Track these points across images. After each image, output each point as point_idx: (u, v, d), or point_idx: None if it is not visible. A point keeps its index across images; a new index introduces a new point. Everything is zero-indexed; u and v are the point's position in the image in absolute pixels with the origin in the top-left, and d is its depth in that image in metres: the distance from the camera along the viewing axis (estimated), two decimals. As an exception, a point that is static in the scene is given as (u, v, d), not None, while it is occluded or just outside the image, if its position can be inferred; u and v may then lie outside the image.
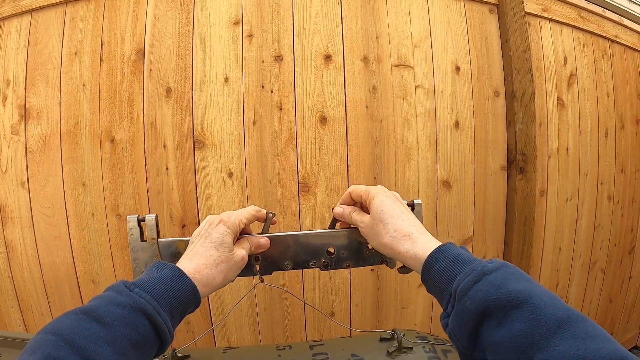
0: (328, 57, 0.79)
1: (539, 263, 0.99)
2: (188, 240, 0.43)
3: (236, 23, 0.79)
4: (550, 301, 0.26)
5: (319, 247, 0.45)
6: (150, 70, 0.82)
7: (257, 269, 0.44)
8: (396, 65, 0.82)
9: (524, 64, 0.97)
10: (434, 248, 0.34)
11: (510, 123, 0.92)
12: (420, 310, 0.85)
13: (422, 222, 0.41)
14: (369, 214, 0.41)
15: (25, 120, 0.87)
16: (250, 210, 0.43)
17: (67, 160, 0.85)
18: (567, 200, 1.03)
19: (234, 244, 0.41)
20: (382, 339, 0.60)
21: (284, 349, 0.59)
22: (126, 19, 0.82)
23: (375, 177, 0.80)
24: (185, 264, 0.38)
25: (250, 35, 0.79)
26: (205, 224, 0.41)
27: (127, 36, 0.83)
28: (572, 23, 1.08)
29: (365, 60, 0.81)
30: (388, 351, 0.57)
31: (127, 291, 0.32)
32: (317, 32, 0.79)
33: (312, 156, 0.77)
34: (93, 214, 0.84)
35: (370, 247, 0.45)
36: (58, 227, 0.86)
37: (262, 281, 0.46)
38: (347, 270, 0.79)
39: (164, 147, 0.80)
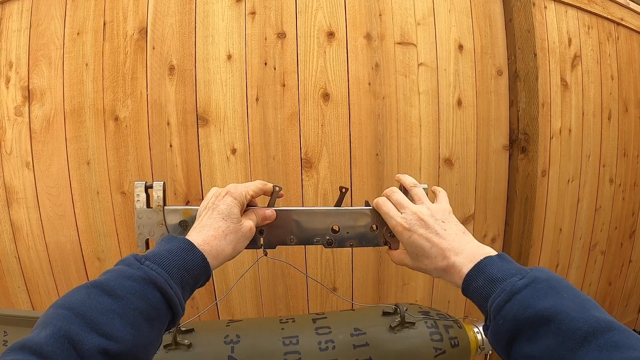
0: (331, 34, 0.79)
1: (539, 243, 1.00)
2: (194, 209, 0.44)
3: (238, 0, 0.79)
4: (578, 315, 0.27)
5: (323, 224, 0.45)
6: (153, 48, 0.82)
7: (262, 242, 0.45)
8: (399, 43, 0.82)
9: (528, 43, 0.96)
10: (469, 269, 0.35)
11: (512, 102, 0.92)
12: (421, 286, 0.86)
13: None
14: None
15: (29, 101, 0.87)
16: (257, 183, 0.43)
17: (71, 139, 0.85)
18: (568, 181, 1.03)
19: (241, 216, 0.41)
20: (385, 314, 0.61)
21: (287, 321, 0.60)
22: (128, -3, 0.81)
23: (377, 154, 0.80)
24: (194, 236, 0.38)
25: (252, 13, 0.79)
26: (211, 196, 0.41)
27: (129, 15, 0.83)
28: (577, 4, 1.06)
29: (368, 37, 0.80)
30: (390, 326, 0.58)
31: (138, 264, 0.33)
32: (320, 9, 0.79)
33: (314, 133, 0.78)
34: (98, 192, 0.85)
35: (374, 228, 0.45)
36: (63, 206, 0.87)
37: (265, 254, 0.46)
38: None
39: (168, 124, 0.80)
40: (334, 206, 0.46)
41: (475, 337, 0.62)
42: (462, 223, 0.88)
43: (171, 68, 0.81)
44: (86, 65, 0.85)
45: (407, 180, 0.45)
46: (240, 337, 0.56)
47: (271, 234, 0.45)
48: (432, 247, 0.38)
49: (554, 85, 1.01)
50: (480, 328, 0.63)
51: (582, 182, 1.08)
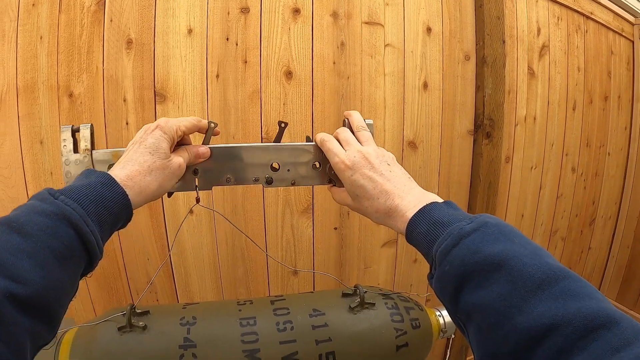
0: (296, 11, 0.77)
1: (502, 228, 1.02)
2: (124, 151, 0.40)
3: (200, -28, 0.76)
4: (531, 261, 0.25)
5: (262, 162, 0.42)
6: (111, 20, 0.77)
7: (197, 183, 0.42)
8: (366, 23, 0.81)
9: (497, 30, 0.97)
10: (414, 213, 0.33)
11: (479, 88, 0.93)
12: (383, 269, 0.87)
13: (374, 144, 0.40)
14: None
15: (-22, 75, 0.82)
16: (191, 119, 0.40)
17: (24, 117, 0.81)
18: (531, 168, 1.06)
19: (170, 152, 0.38)
20: (344, 295, 0.60)
21: (245, 303, 0.59)
22: (83, -35, 0.76)
23: (340, 135, 0.79)
24: (117, 171, 0.35)
25: (215, -15, 0.76)
26: (141, 131, 0.38)
27: (85, -16, 0.78)
28: (548, -6, 1.08)
29: (334, 15, 0.79)
30: (350, 306, 0.58)
31: (52, 198, 0.29)
32: (286, -16, 0.77)
33: (276, 111, 0.76)
34: (52, 173, 0.81)
35: (317, 165, 0.43)
36: (16, 187, 0.82)
37: (198, 201, 0.43)
38: (310, 227, 0.80)
39: (124, 101, 0.77)
40: (273, 142, 0.44)
41: (437, 321, 0.63)
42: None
43: (129, 42, 0.77)
44: (40, 38, 0.79)
45: (356, 119, 0.42)
46: (197, 318, 0.55)
47: (206, 174, 0.42)
48: (375, 188, 0.36)
49: (521, 73, 1.02)
50: (442, 312, 0.64)
51: (544, 170, 1.11)
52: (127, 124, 0.77)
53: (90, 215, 0.30)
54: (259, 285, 0.80)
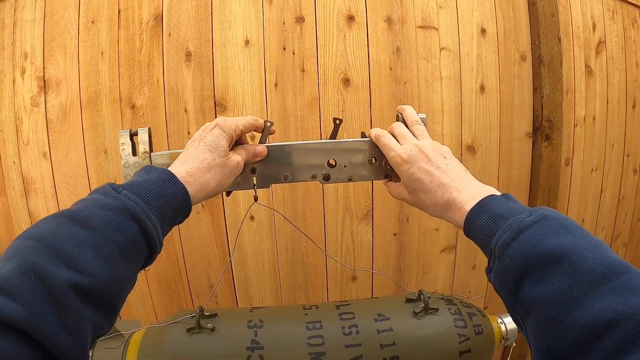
0: (350, 18, 0.77)
1: (561, 234, 0.97)
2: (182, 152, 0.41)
3: (256, -16, 0.77)
4: (592, 254, 0.24)
5: (319, 159, 0.43)
6: (169, 35, 0.81)
7: (254, 182, 0.42)
8: (420, 27, 0.80)
9: (552, 28, 0.93)
10: (472, 206, 0.33)
11: (536, 89, 0.89)
12: (442, 276, 0.85)
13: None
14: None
15: (45, 91, 0.87)
16: (248, 118, 0.41)
17: (88, 128, 0.85)
18: (592, 170, 1.01)
19: (229, 151, 0.38)
20: (408, 300, 0.60)
21: (310, 308, 0.60)
22: (143, -16, 0.80)
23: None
24: (177, 167, 0.35)
25: (270, -3, 0.77)
26: (200, 130, 0.39)
27: (144, 2, 0.82)
28: (602, -12, 1.03)
29: (388, 21, 0.78)
30: (414, 311, 0.58)
31: (114, 193, 0.30)
32: (339, -8, 0.77)
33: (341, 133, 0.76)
34: (115, 180, 0.84)
35: (373, 161, 0.43)
36: (81, 195, 0.86)
37: (255, 199, 0.44)
38: (369, 233, 0.79)
39: (185, 111, 0.80)
40: (329, 139, 0.44)
41: (499, 328, 0.62)
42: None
43: (188, 54, 0.80)
44: (102, 53, 0.84)
45: (410, 113, 0.42)
46: (264, 322, 0.56)
47: (264, 173, 0.42)
48: (432, 181, 0.36)
49: (578, 71, 0.98)
50: (505, 319, 0.62)
51: (605, 172, 1.05)
52: (188, 133, 0.80)
53: (152, 209, 0.30)
54: (317, 291, 0.80)
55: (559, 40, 0.93)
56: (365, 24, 0.77)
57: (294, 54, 0.77)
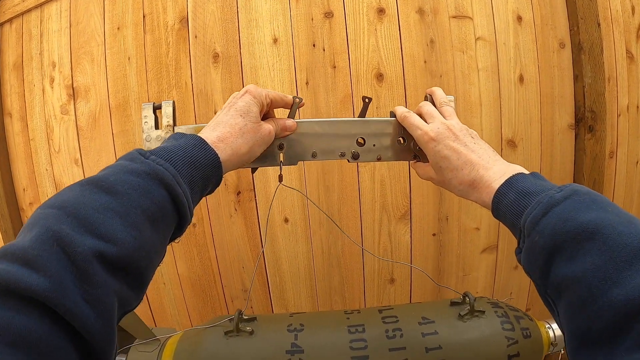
0: (381, 11, 0.75)
1: (606, 230, 0.92)
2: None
3: (282, -19, 0.76)
4: (626, 229, 0.23)
5: (348, 137, 0.42)
6: (196, 37, 0.80)
7: (281, 158, 0.41)
8: (454, 17, 0.76)
9: (590, 12, 0.88)
10: (500, 184, 0.32)
11: (577, 77, 0.85)
12: (482, 277, 0.81)
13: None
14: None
15: (74, 99, 0.88)
16: (277, 92, 0.40)
17: (118, 134, 0.85)
18: (637, 162, 0.95)
19: (260, 118, 0.37)
20: (453, 304, 0.58)
21: (352, 312, 0.58)
22: (166, -12, 0.80)
23: (436, 136, 0.75)
24: (207, 133, 0.34)
25: (297, -7, 0.76)
26: (230, 98, 0.37)
27: (168, 5, 0.81)
28: (641, -32, 0.97)
29: (420, 12, 0.75)
30: (460, 314, 0.55)
31: (142, 158, 0.28)
32: (368, -15, 0.75)
33: (369, 115, 0.74)
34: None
35: (402, 141, 0.43)
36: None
37: (280, 180, 0.43)
38: (407, 234, 0.76)
39: (215, 113, 0.79)
40: (358, 117, 0.43)
41: (547, 333, 0.59)
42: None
43: (215, 56, 0.79)
44: (129, 59, 0.84)
45: (439, 95, 0.42)
46: (304, 326, 0.55)
47: (291, 149, 0.41)
48: (458, 159, 0.35)
49: (620, 57, 0.92)
50: (552, 324, 0.59)
51: (651, 164, 0.99)
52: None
53: (182, 175, 0.29)
54: (354, 294, 0.77)
55: (598, 25, 0.88)
56: (397, 16, 0.75)
57: (324, 50, 0.75)
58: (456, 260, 0.78)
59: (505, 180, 0.32)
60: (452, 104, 0.42)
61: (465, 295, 0.57)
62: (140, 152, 0.29)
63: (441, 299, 0.61)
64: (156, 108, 0.41)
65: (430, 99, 0.43)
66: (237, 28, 0.78)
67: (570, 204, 0.26)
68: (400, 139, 0.42)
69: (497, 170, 0.33)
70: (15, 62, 0.92)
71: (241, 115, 0.35)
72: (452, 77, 0.76)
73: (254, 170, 0.42)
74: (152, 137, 0.41)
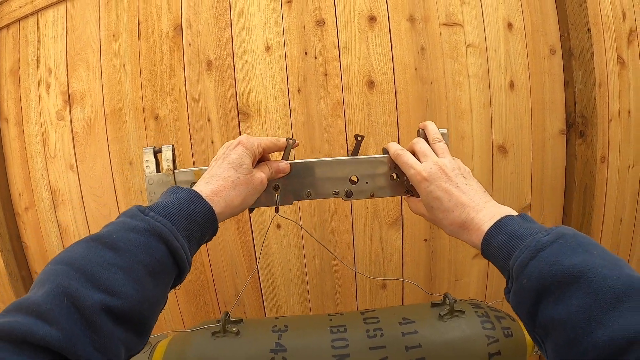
0: (372, 19, 0.75)
1: (598, 235, 0.93)
2: (206, 170, 0.40)
3: (274, -11, 0.76)
4: (610, 272, 0.24)
5: (341, 175, 0.43)
6: (190, 44, 0.81)
7: (277, 198, 0.43)
8: (445, 24, 0.77)
9: (581, 18, 0.89)
10: (489, 226, 0.33)
11: (568, 83, 0.85)
12: (474, 282, 0.82)
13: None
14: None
15: (70, 105, 0.89)
16: (270, 138, 0.41)
17: (113, 140, 0.86)
18: (629, 167, 0.96)
19: (253, 168, 0.39)
20: (434, 305, 0.60)
21: (335, 315, 0.60)
22: (161, -4, 0.81)
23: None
24: (202, 186, 0.36)
25: (289, 1, 0.76)
26: (223, 148, 0.39)
27: (163, 13, 0.82)
28: (631, -26, 0.98)
29: (411, 20, 0.76)
30: (440, 314, 0.57)
31: (142, 215, 0.30)
32: (359, -7, 0.75)
33: (360, 122, 0.74)
34: (141, 192, 0.85)
35: (394, 177, 0.43)
36: (108, 206, 0.88)
37: (277, 211, 0.44)
38: (399, 240, 0.77)
39: (208, 120, 0.79)
40: (351, 155, 0.44)
41: None
42: (522, 212, 0.83)
43: (209, 63, 0.80)
44: (123, 66, 0.85)
45: (432, 131, 0.42)
46: (288, 327, 0.57)
47: (287, 189, 0.43)
48: (450, 200, 0.36)
49: (611, 63, 0.93)
50: None
51: (643, 168, 0.99)
52: (212, 142, 0.79)
53: (180, 230, 0.31)
54: (347, 299, 0.78)
55: (589, 31, 0.89)
56: (388, 24, 0.76)
57: (315, 58, 0.75)
58: (448, 265, 0.79)
59: (494, 223, 0.33)
60: (446, 138, 0.43)
61: (445, 296, 0.59)
62: (140, 209, 0.31)
63: (422, 303, 0.62)
64: (157, 152, 0.43)
65: (422, 133, 0.43)
66: (230, 36, 0.79)
67: (556, 247, 0.27)
68: (394, 174, 0.43)
69: (486, 213, 0.34)
70: (12, 67, 0.93)
71: (234, 168, 0.37)
72: (443, 84, 0.76)
73: (251, 210, 0.44)
74: (154, 181, 0.43)
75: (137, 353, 0.29)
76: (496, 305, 0.62)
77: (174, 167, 0.43)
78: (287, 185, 0.43)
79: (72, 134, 0.89)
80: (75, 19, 0.88)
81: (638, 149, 0.98)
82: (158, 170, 0.43)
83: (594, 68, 0.87)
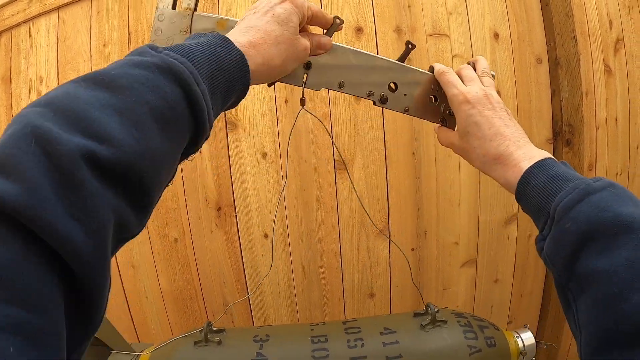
0: (359, 30, 0.76)
1: (587, 242, 0.93)
2: (233, 20, 0.34)
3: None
4: None
5: (382, 77, 0.38)
6: (179, 54, 0.81)
7: (305, 78, 0.37)
8: (431, 35, 0.78)
9: (567, 28, 0.90)
10: (531, 164, 0.30)
11: (554, 92, 0.86)
12: (462, 291, 0.82)
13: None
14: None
15: (60, 113, 0.89)
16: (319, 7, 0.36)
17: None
18: (617, 174, 0.96)
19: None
20: (416, 314, 0.60)
21: (317, 324, 0.61)
22: (151, 7, 0.81)
23: (414, 153, 0.76)
24: (236, 36, 0.28)
25: (277, 12, 0.77)
26: (263, 2, 0.32)
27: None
28: (617, -17, 0.99)
29: (398, 30, 0.77)
30: (421, 324, 0.57)
31: (153, 52, 0.23)
32: (346, 4, 0.76)
33: (347, 133, 0.75)
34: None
35: (433, 100, 0.40)
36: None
37: (302, 104, 0.40)
38: (386, 249, 0.77)
39: (196, 130, 0.80)
40: (397, 60, 0.39)
41: (516, 342, 0.60)
42: (505, 223, 0.83)
43: (197, 73, 0.80)
44: (114, 75, 0.85)
45: (482, 64, 0.38)
46: (270, 336, 0.57)
47: (319, 71, 0.37)
48: (490, 129, 0.33)
49: (597, 71, 0.94)
50: (522, 334, 0.60)
51: (631, 175, 1.00)
52: (200, 153, 0.79)
53: (202, 75, 0.23)
54: (334, 309, 0.78)
55: (575, 40, 0.90)
56: (375, 35, 0.76)
57: (303, 68, 0.76)
58: (435, 275, 0.79)
59: (537, 162, 0.30)
60: (494, 80, 0.39)
61: (427, 306, 0.59)
62: (152, 47, 0.23)
63: (405, 312, 0.62)
64: None
65: (473, 65, 0.39)
66: (219, 46, 0.79)
67: (608, 194, 0.24)
68: (432, 97, 0.40)
69: (526, 152, 0.31)
70: (3, 75, 0.93)
71: (279, 23, 0.30)
72: (429, 94, 0.77)
73: (270, 83, 0.37)
74: (165, 17, 0.33)
75: (131, 238, 0.20)
76: (484, 314, 0.62)
77: (195, 9, 0.34)
78: (322, 66, 0.37)
79: (62, 143, 0.89)
80: (67, 28, 0.88)
81: (625, 156, 0.99)
82: (174, 6, 0.34)
83: (580, 77, 0.88)
